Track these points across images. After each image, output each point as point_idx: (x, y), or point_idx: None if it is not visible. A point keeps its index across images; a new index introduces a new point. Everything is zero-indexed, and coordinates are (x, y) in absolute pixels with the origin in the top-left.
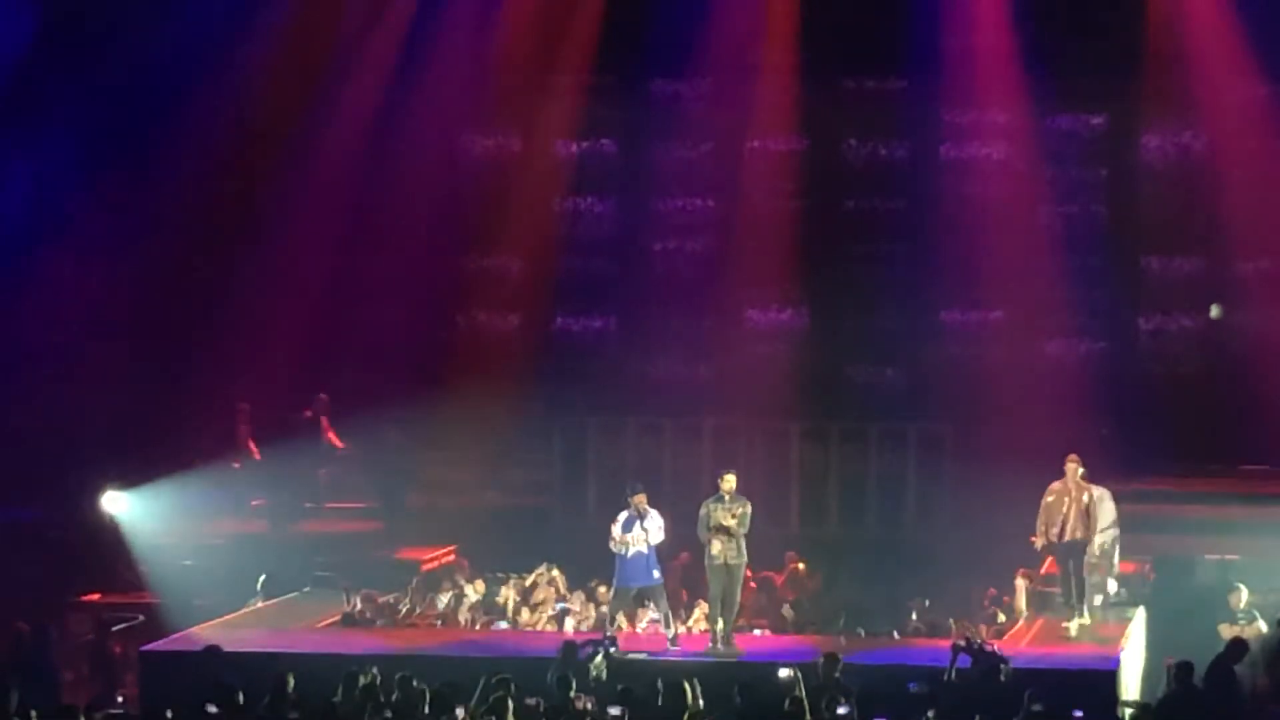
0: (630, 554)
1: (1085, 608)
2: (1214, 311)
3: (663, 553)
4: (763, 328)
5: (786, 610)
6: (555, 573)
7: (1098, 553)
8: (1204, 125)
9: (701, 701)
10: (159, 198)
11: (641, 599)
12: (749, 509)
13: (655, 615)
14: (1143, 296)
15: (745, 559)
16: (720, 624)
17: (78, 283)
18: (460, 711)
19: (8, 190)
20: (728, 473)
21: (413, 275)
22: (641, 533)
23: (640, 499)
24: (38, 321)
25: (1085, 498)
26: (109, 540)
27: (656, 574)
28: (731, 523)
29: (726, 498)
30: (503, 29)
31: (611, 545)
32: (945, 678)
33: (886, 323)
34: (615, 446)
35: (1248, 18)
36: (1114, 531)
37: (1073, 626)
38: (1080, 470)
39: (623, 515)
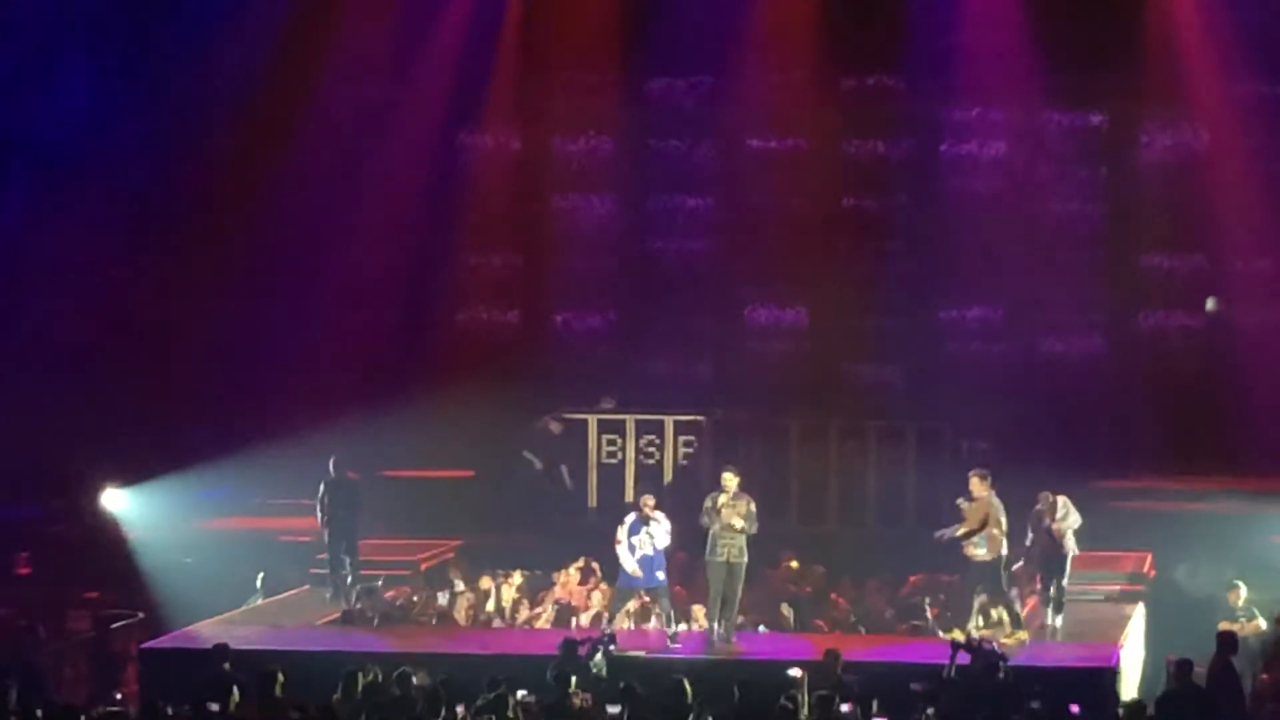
0: (636, 556)
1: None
2: (1209, 304)
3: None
4: (763, 325)
5: (785, 608)
6: (590, 565)
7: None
8: (1203, 123)
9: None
10: (157, 195)
11: (645, 599)
12: (753, 507)
13: (658, 613)
14: (1142, 295)
15: (747, 558)
16: (719, 622)
17: (78, 281)
18: (460, 709)
19: (7, 187)
20: (725, 472)
21: (412, 272)
22: (648, 537)
23: (649, 501)
24: (38, 320)
25: (986, 512)
26: (108, 538)
27: (661, 575)
28: (741, 523)
29: (730, 492)
30: (502, 26)
31: (618, 549)
32: (945, 675)
33: (886, 321)
34: (616, 444)
35: (1247, 16)
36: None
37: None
38: (983, 483)
39: (630, 518)
